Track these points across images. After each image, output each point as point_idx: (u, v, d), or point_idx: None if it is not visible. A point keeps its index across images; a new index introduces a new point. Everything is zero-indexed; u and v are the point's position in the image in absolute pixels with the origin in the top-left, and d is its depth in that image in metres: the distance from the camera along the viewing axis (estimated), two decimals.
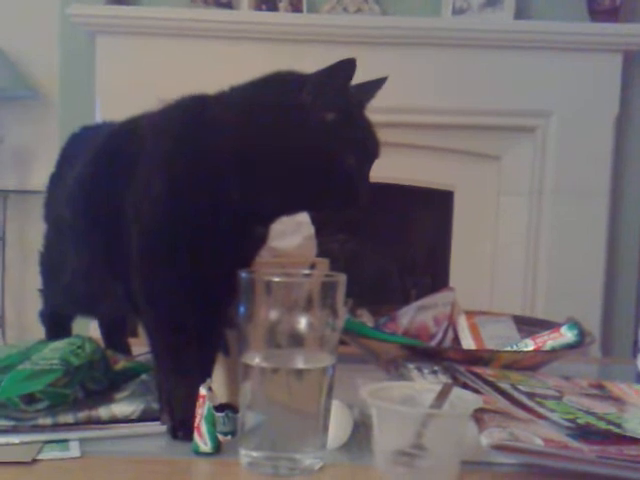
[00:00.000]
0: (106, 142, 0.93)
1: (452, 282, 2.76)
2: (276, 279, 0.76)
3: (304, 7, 2.73)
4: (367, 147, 0.84)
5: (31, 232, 2.80)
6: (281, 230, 0.97)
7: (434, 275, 3.00)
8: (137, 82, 2.59)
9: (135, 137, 0.88)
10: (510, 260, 2.81)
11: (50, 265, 1.05)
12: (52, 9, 2.73)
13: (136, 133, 0.88)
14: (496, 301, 2.75)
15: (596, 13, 2.71)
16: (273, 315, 0.74)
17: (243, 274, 0.76)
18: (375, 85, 0.87)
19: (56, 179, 1.03)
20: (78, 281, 0.97)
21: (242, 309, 0.76)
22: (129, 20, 2.62)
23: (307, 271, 0.92)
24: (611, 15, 2.70)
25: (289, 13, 2.72)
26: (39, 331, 1.11)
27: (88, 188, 0.91)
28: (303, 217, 1.16)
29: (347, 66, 0.79)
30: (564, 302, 2.58)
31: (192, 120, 0.84)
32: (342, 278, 0.77)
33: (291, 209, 0.88)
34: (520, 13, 2.74)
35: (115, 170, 0.88)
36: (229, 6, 2.72)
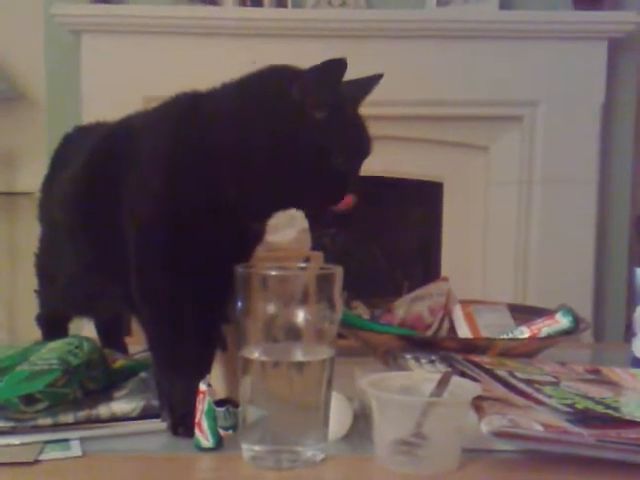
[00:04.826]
0: (102, 142, 0.93)
1: (444, 272, 2.76)
2: (272, 273, 0.77)
3: (289, 2, 2.72)
4: (358, 145, 0.83)
5: (19, 234, 2.79)
6: (275, 224, 0.97)
7: (426, 266, 3.01)
8: (123, 80, 2.57)
9: (131, 137, 0.88)
10: (501, 249, 2.82)
11: (46, 266, 1.05)
12: (37, 9, 2.70)
13: (131, 133, 0.89)
14: (488, 290, 2.76)
15: (580, 1, 2.71)
16: (270, 309, 0.74)
17: (239, 269, 0.76)
18: (370, 82, 0.86)
19: (51, 180, 1.03)
20: (75, 282, 0.96)
21: (239, 304, 0.76)
22: (114, 19, 2.60)
23: (302, 264, 0.93)
24: (595, 3, 2.70)
25: (274, 8, 2.72)
26: (30, 333, 1.11)
27: (85, 188, 0.91)
28: (296, 210, 1.16)
29: (337, 65, 0.79)
30: (555, 289, 2.59)
31: (186, 118, 0.84)
32: (338, 270, 0.78)
33: (282, 206, 0.87)
34: (504, 3, 2.74)
35: (112, 169, 0.88)
36: (214, 3, 2.71)
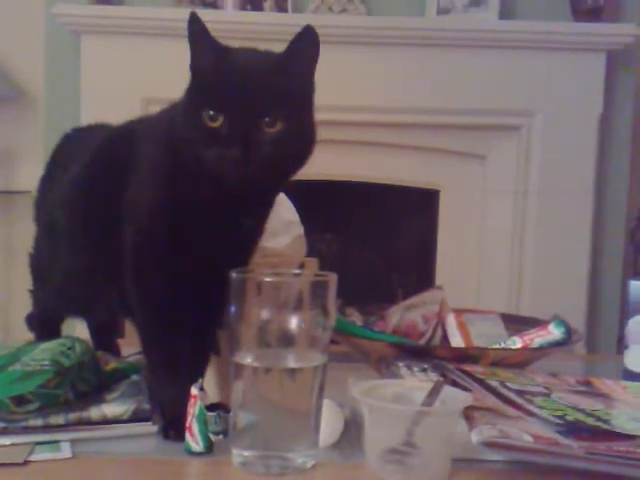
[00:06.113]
0: (103, 146, 0.94)
1: (438, 280, 2.76)
2: (267, 279, 0.77)
3: (289, 7, 2.73)
4: (236, 108, 0.78)
5: (16, 233, 2.78)
6: (271, 230, 0.97)
7: (421, 274, 3.01)
8: (123, 81, 2.58)
9: (131, 141, 0.89)
10: (496, 258, 2.83)
11: (41, 266, 1.05)
12: (37, 9, 2.71)
13: (132, 137, 0.90)
14: (482, 299, 2.76)
15: (579, 13, 2.73)
16: (264, 315, 0.74)
17: (234, 274, 0.76)
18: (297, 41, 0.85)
19: (48, 180, 1.03)
20: (71, 282, 0.96)
21: (233, 309, 0.76)
22: (114, 20, 2.61)
23: (297, 271, 0.93)
24: (594, 15, 2.71)
25: (274, 13, 2.72)
26: (24, 333, 1.11)
27: (85, 190, 0.92)
28: (293, 216, 1.16)
29: (190, 22, 0.85)
30: (549, 300, 2.60)
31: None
32: (332, 277, 0.78)
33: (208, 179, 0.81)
34: (504, 13, 2.75)
35: (112, 173, 0.89)
36: (214, 6, 2.71)
